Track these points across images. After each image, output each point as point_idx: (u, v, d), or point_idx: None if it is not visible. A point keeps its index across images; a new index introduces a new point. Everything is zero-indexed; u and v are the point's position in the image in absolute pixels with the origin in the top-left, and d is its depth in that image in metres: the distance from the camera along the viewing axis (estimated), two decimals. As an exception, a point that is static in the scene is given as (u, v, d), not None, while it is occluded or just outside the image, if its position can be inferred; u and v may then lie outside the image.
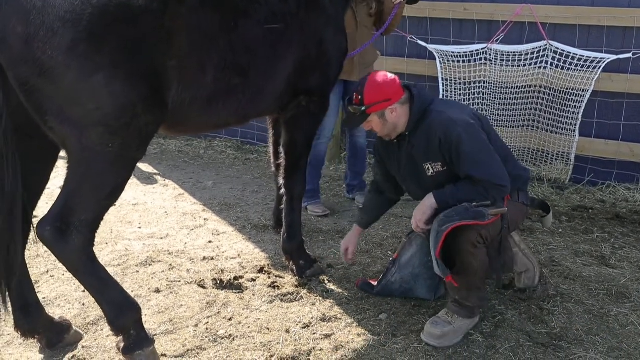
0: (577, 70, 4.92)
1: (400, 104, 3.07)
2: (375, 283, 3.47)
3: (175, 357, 2.88)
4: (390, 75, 3.10)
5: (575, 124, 5.01)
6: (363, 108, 3.05)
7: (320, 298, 3.41)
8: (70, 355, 2.88)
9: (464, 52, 5.30)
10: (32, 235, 2.69)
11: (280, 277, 3.67)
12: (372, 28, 4.57)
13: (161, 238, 4.25)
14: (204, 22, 2.71)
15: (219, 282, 3.56)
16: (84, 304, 3.32)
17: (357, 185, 5.07)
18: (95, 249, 2.63)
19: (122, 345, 2.74)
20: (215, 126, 3.77)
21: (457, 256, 2.96)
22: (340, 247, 3.61)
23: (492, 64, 5.24)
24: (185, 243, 4.17)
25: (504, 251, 3.17)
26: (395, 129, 3.12)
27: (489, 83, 5.30)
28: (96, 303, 2.75)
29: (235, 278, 3.61)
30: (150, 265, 3.81)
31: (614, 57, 4.80)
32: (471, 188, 2.95)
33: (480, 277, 3.02)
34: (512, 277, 3.51)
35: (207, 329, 3.10)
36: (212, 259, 3.92)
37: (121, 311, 2.69)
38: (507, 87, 5.24)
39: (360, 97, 3.06)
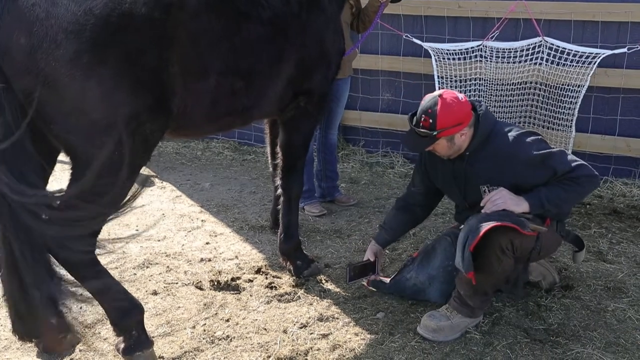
0: (573, 66, 4.89)
1: (469, 127, 2.97)
2: (387, 280, 3.42)
3: (173, 359, 2.88)
4: (461, 96, 2.96)
5: (572, 120, 4.99)
6: (435, 133, 2.90)
7: (318, 298, 3.42)
8: (67, 359, 2.88)
9: (459, 50, 5.29)
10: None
11: (278, 278, 3.67)
12: (349, 25, 4.57)
13: (158, 240, 4.25)
14: (206, 27, 2.71)
15: (216, 283, 3.56)
16: (81, 307, 3.31)
17: (333, 187, 4.98)
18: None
19: (121, 346, 2.76)
20: (219, 129, 3.77)
21: (481, 254, 2.90)
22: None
23: (487, 61, 5.23)
24: (183, 245, 4.17)
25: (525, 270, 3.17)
26: (459, 151, 3.03)
27: (484, 80, 5.28)
28: (98, 305, 2.76)
29: (233, 279, 3.61)
30: (147, 267, 3.81)
31: (609, 52, 4.78)
32: (563, 187, 2.91)
33: (493, 283, 3.01)
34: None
35: (204, 330, 3.11)
36: (210, 260, 3.92)
37: (125, 312, 2.72)
38: (502, 84, 5.23)
39: (431, 120, 2.89)
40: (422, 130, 2.93)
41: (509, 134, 3.02)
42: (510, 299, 3.34)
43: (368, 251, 3.45)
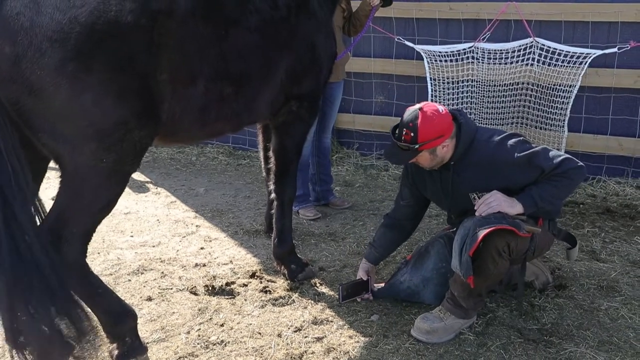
0: (564, 66, 4.92)
1: (450, 138, 2.98)
2: (381, 284, 3.44)
3: (167, 364, 2.89)
4: (441, 109, 2.96)
5: (564, 120, 5.01)
6: (416, 146, 2.91)
7: (312, 301, 3.42)
8: (62, 366, 2.88)
9: (451, 52, 5.31)
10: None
11: (272, 282, 3.67)
12: (341, 29, 4.59)
13: (153, 246, 4.25)
14: (194, 34, 2.71)
15: (210, 288, 3.56)
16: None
17: (327, 191, 5.00)
18: (87, 259, 2.64)
19: (115, 353, 2.76)
20: (209, 135, 3.75)
21: (478, 257, 2.90)
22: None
23: (479, 62, 5.25)
24: (177, 250, 4.18)
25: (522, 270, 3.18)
26: (442, 162, 3.05)
27: (476, 81, 5.31)
28: (92, 313, 2.76)
29: (227, 284, 3.61)
30: (142, 273, 3.81)
31: (599, 52, 4.80)
32: (553, 184, 2.93)
33: (488, 285, 3.03)
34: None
35: (199, 335, 3.11)
36: (204, 265, 3.92)
37: (118, 319, 2.72)
38: (495, 85, 5.25)
39: (412, 134, 2.90)
40: (404, 144, 2.95)
41: (491, 139, 3.04)
42: (504, 299, 3.35)
43: (360, 270, 3.44)
